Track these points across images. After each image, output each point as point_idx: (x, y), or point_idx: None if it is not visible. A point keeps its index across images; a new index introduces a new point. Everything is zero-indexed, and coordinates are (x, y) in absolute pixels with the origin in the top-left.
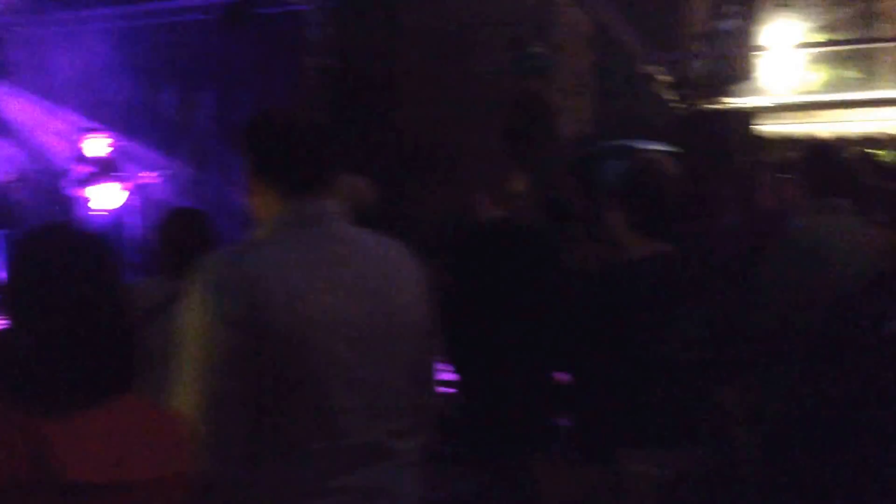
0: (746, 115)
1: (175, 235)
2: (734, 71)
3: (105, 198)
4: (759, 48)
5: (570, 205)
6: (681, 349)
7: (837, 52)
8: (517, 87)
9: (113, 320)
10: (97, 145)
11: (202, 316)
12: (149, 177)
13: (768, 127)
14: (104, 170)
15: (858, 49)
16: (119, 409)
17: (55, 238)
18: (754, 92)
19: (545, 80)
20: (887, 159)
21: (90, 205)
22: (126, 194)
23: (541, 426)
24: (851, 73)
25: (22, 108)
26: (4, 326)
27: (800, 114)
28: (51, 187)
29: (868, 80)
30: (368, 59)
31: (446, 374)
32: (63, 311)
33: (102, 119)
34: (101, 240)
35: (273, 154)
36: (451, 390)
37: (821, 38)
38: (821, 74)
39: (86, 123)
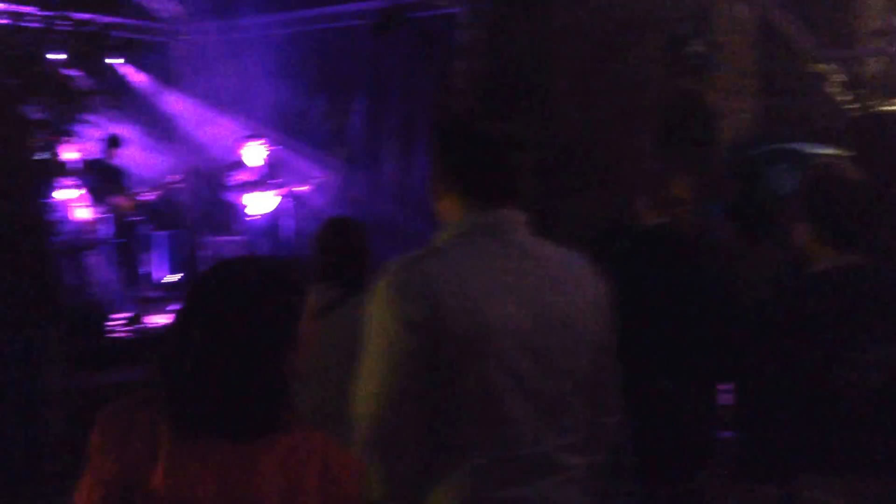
0: None
1: (330, 244)
2: None
3: (260, 203)
4: None
5: (752, 211)
6: (872, 369)
7: None
8: (675, 87)
9: (281, 360)
10: (255, 152)
11: (383, 318)
12: (303, 183)
13: None
14: (261, 176)
15: None
16: (271, 445)
17: (245, 269)
18: None
19: (705, 79)
20: None
21: (247, 210)
22: (279, 199)
23: (706, 441)
24: None
25: (186, 113)
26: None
27: None
28: (210, 191)
29: None
30: (520, 61)
31: None
32: (237, 342)
33: (260, 125)
34: (292, 273)
35: (463, 162)
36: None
37: None
38: None
39: (245, 129)
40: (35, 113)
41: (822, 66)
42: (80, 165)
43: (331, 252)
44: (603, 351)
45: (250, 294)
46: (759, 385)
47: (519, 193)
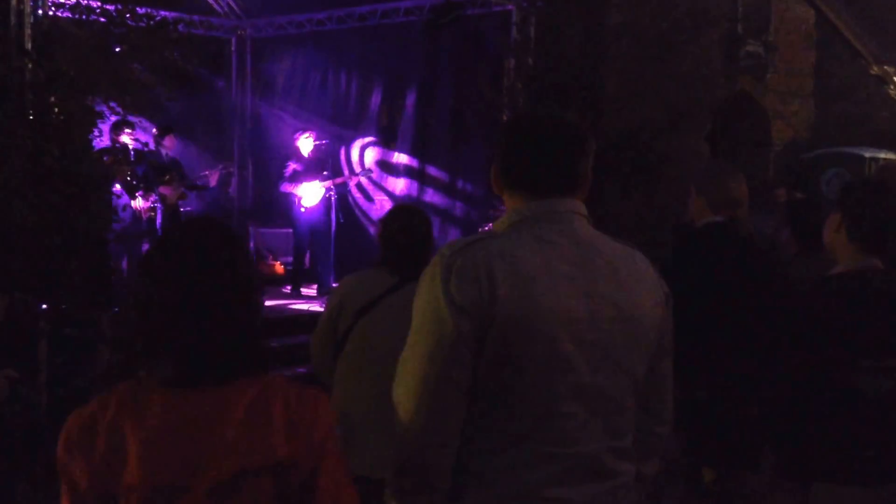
0: None
1: (394, 231)
2: None
3: (312, 194)
4: None
5: (809, 217)
6: (885, 377)
7: None
8: (729, 88)
9: (239, 309)
10: (305, 144)
11: (432, 300)
12: (354, 175)
13: None
14: (309, 169)
15: None
16: (239, 390)
17: (195, 227)
18: None
19: (760, 81)
20: None
21: (302, 202)
22: (331, 191)
23: (752, 444)
24: None
25: (243, 106)
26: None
27: None
28: (264, 183)
29: None
30: (572, 60)
31: None
32: (190, 294)
33: (313, 118)
34: (235, 233)
35: (518, 156)
36: None
37: None
38: None
39: (298, 122)
40: (99, 104)
41: (882, 68)
42: (133, 156)
43: (394, 239)
44: (662, 354)
45: (208, 244)
46: (777, 391)
47: (580, 187)
